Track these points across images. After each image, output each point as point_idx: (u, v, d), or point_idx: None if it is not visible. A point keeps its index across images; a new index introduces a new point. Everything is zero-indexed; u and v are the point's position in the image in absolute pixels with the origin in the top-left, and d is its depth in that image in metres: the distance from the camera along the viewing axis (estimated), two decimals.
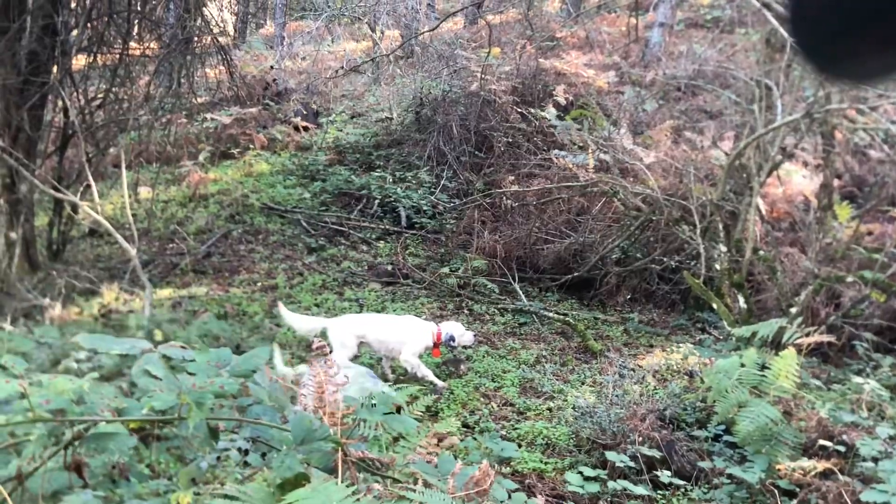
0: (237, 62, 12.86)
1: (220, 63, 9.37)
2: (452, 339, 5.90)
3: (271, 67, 13.10)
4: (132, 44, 8.71)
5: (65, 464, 1.52)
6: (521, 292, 8.05)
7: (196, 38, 8.65)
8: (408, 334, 5.86)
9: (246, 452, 1.57)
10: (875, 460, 3.79)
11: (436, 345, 5.90)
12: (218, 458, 1.56)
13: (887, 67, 0.82)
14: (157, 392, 1.50)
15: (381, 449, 1.65)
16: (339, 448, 1.53)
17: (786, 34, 5.75)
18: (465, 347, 6.45)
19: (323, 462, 1.46)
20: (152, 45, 9.24)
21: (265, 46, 15.94)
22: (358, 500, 1.33)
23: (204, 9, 9.06)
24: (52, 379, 1.56)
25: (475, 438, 4.34)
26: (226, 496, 1.45)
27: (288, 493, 1.34)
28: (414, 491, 1.51)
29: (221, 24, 10.15)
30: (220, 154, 11.08)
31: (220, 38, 9.31)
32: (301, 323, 5.93)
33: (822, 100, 5.41)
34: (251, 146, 11.14)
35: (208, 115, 11.37)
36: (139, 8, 8.38)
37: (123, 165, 7.33)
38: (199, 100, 11.07)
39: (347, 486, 1.34)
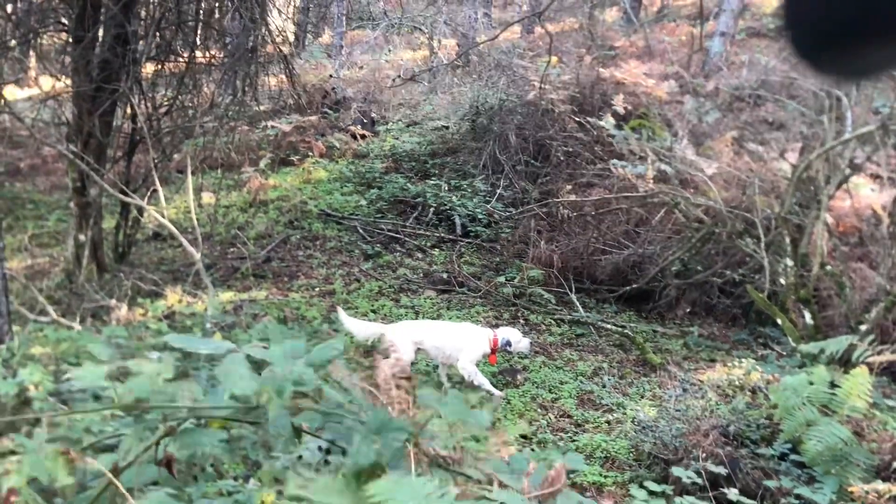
0: (297, 71, 13.11)
1: (281, 72, 9.56)
2: (509, 343, 5.87)
3: (330, 76, 13.29)
4: (198, 53, 8.95)
5: (156, 459, 1.56)
6: (577, 303, 7.98)
7: (260, 48, 8.85)
8: (465, 341, 5.84)
9: (328, 451, 1.59)
10: None
11: (493, 351, 5.88)
12: (299, 456, 1.58)
13: (884, 63, 0.80)
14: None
15: (448, 447, 1.65)
16: (413, 442, 1.53)
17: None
18: (521, 357, 6.42)
19: (396, 457, 1.46)
20: (218, 54, 9.48)
21: (325, 55, 16.18)
22: (442, 496, 1.33)
23: (268, 18, 9.27)
24: (138, 366, 1.60)
25: (533, 449, 4.30)
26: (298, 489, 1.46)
27: (364, 484, 1.35)
28: (490, 490, 1.50)
29: (284, 34, 10.34)
30: (280, 161, 11.27)
31: (282, 48, 9.50)
32: (359, 328, 5.97)
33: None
34: (310, 153, 11.31)
35: (269, 123, 11.59)
36: (206, 18, 8.59)
37: (189, 171, 7.51)
38: (262, 108, 11.32)
39: (435, 483, 1.35)
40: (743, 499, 3.89)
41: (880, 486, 3.68)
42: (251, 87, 9.05)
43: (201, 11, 8.36)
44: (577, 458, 3.87)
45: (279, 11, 11.83)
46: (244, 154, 10.92)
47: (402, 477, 1.43)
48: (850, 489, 3.75)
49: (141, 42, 8.09)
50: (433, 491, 1.34)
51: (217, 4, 8.81)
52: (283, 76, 9.78)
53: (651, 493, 3.79)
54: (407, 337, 5.82)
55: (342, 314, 6.04)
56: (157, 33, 8.26)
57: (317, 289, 7.99)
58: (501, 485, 1.56)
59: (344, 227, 9.60)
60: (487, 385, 5.78)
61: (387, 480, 1.38)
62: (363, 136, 11.91)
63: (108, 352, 1.78)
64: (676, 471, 4.02)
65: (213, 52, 8.94)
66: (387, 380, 1.70)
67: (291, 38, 17.69)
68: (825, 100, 6.10)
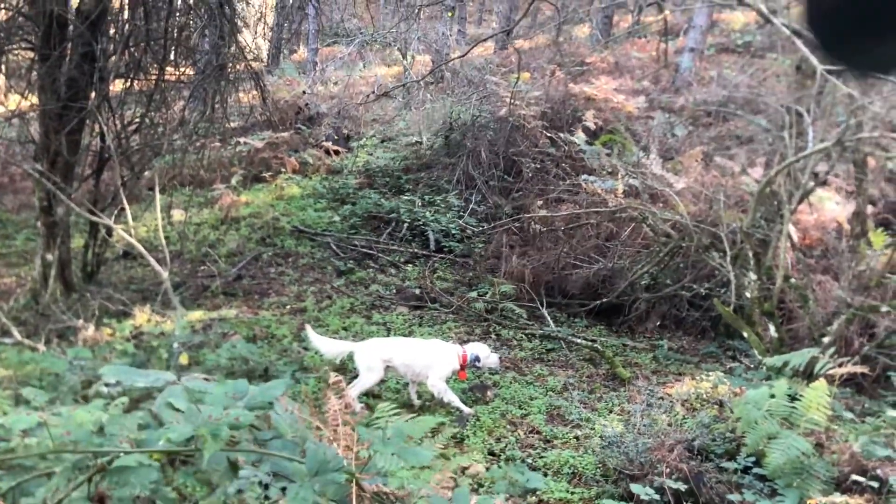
0: (270, 87, 13.10)
1: (253, 88, 9.55)
2: (478, 359, 5.88)
3: (304, 92, 13.30)
4: (168, 70, 8.92)
5: (88, 496, 1.55)
6: (549, 318, 8.02)
7: (230, 65, 8.83)
8: (434, 358, 5.84)
9: (266, 486, 1.59)
10: None
11: (462, 367, 5.88)
12: (239, 490, 1.57)
13: None
14: (175, 424, 1.52)
15: (401, 482, 1.65)
16: (353, 480, 1.54)
17: (815, 61, 5.71)
18: (492, 373, 6.42)
19: (338, 495, 1.47)
20: (187, 72, 9.45)
21: (298, 72, 16.19)
22: None
23: (238, 35, 9.26)
24: (72, 411, 1.59)
25: (500, 467, 4.31)
26: None
27: None
28: None
29: (255, 51, 10.35)
30: (252, 177, 11.25)
31: (253, 64, 9.49)
32: (328, 346, 5.95)
33: (854, 127, 5.35)
34: (283, 170, 11.30)
35: (241, 140, 11.56)
36: (175, 35, 8.57)
37: (157, 189, 7.47)
38: (233, 124, 11.28)
39: None
40: None
41: (838, 498, 3.73)
42: (221, 103, 9.02)
43: (170, 29, 8.32)
44: (536, 478, 3.89)
45: (250, 28, 11.85)
46: (216, 171, 10.88)
47: None
48: (809, 502, 3.80)
49: (111, 59, 8.05)
50: None
51: (186, 21, 8.78)
52: (255, 92, 9.78)
53: None
54: (376, 355, 5.82)
55: (311, 332, 6.02)
56: (126, 51, 8.22)
57: (288, 306, 7.95)
58: None
59: (317, 244, 9.58)
60: (457, 402, 5.78)
61: None
62: (336, 152, 11.92)
63: (42, 397, 1.76)
64: (635, 487, 4.05)
65: (182, 70, 8.90)
66: (334, 415, 1.70)
67: (265, 54, 17.71)
68: (785, 115, 6.22)
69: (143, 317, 7.42)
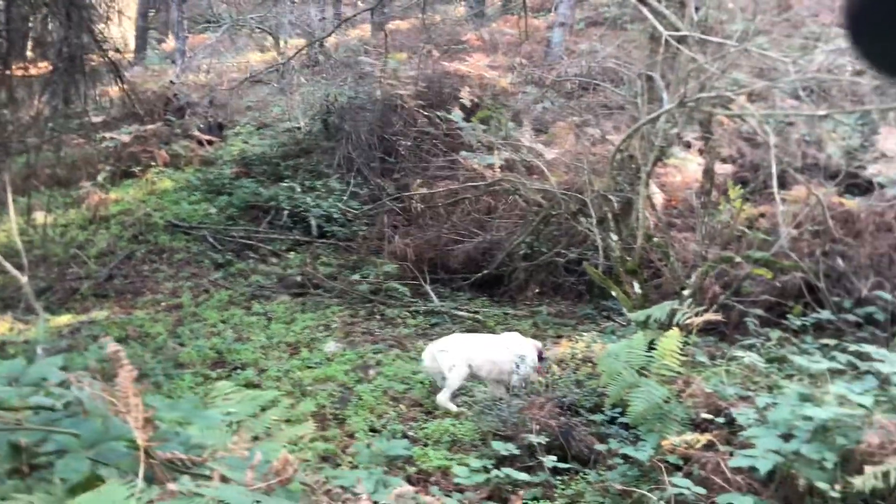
0: (136, 79, 12.56)
1: (113, 81, 9.14)
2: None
3: (171, 82, 12.82)
4: (17, 63, 8.41)
5: None
6: (432, 293, 8.11)
7: (84, 56, 8.42)
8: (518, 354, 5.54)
9: (51, 464, 1.55)
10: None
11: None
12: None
13: None
14: None
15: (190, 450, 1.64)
16: (141, 449, 1.52)
17: (661, 28, 5.97)
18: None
19: (128, 465, 1.45)
20: (40, 65, 8.95)
21: (167, 61, 15.58)
22: (150, 500, 1.33)
23: (94, 25, 8.82)
24: None
25: (367, 445, 4.35)
26: None
27: (76, 496, 1.34)
28: (208, 486, 1.51)
29: (114, 41, 9.86)
30: (121, 173, 10.78)
31: (111, 55, 9.08)
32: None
33: (696, 89, 5.65)
34: (153, 164, 10.87)
35: (107, 135, 11.04)
36: (20, 26, 8.08)
37: (9, 190, 7.05)
38: (95, 119, 10.77)
39: (143, 487, 1.35)
40: (561, 464, 4.10)
41: (689, 437, 3.97)
42: (79, 98, 8.59)
43: (13, 19, 7.83)
44: (399, 445, 3.95)
45: (110, 18, 11.29)
46: (80, 169, 10.37)
47: (119, 486, 1.41)
48: (663, 443, 4.02)
49: None
50: (129, 496, 1.34)
51: (31, 11, 8.29)
52: (117, 85, 9.37)
53: (473, 470, 3.92)
54: (458, 353, 5.57)
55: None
56: None
57: (163, 303, 7.72)
58: (225, 479, 1.57)
59: (192, 238, 9.31)
60: None
61: (96, 491, 1.36)
62: (210, 142, 11.57)
63: None
64: (496, 444, 4.18)
65: (31, 63, 8.42)
66: (125, 389, 1.66)
67: (132, 45, 16.93)
68: (637, 82, 6.50)
69: (4, 325, 7.04)
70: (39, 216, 9.17)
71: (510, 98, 11.78)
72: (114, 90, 10.71)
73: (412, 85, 11.52)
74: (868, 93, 7.16)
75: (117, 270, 8.49)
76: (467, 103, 11.54)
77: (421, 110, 11.10)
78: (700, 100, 5.47)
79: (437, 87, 11.80)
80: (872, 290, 6.42)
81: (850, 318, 6.19)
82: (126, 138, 10.87)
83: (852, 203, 7.52)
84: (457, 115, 11.05)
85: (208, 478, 1.56)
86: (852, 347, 4.52)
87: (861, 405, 3.46)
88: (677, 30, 6.15)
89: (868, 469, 3.05)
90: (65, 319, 7.28)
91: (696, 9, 6.97)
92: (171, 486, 1.43)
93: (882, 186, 7.51)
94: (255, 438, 1.99)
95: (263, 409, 2.21)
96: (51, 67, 8.69)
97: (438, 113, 10.94)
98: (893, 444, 3.08)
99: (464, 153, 9.75)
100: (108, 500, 1.31)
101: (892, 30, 0.82)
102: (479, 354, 5.61)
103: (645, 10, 5.99)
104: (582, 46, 14.35)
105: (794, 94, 7.46)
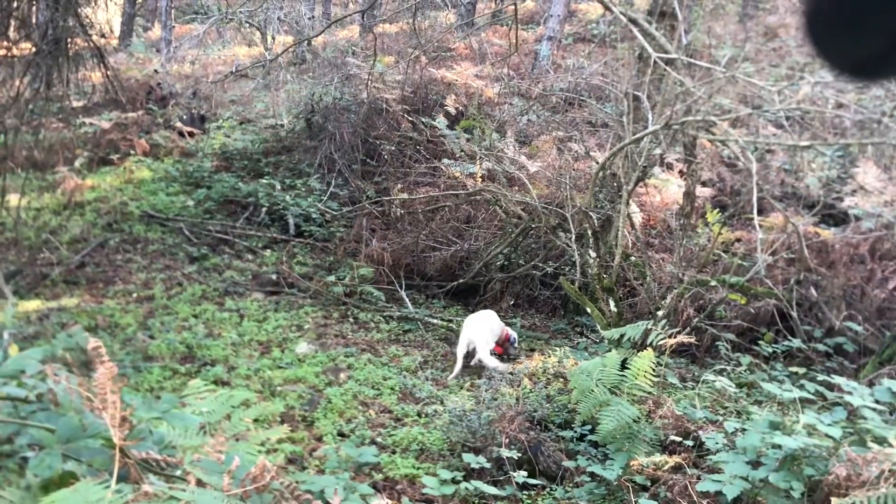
0: (119, 65, 12.39)
1: (96, 66, 9.00)
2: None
3: (155, 71, 12.67)
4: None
5: None
6: (407, 299, 8.08)
7: (69, 40, 8.28)
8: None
9: (25, 459, 1.51)
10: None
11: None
12: None
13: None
14: None
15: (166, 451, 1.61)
16: (116, 447, 1.48)
17: (651, 49, 6.02)
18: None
19: (104, 463, 1.42)
20: (23, 46, 8.79)
21: (152, 50, 15.41)
22: (125, 500, 1.29)
23: (80, 9, 8.69)
24: None
25: (336, 449, 4.31)
26: None
27: (50, 493, 1.30)
28: (184, 490, 1.48)
29: (100, 25, 9.73)
30: (99, 160, 10.61)
31: (96, 40, 8.94)
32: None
33: (681, 112, 5.69)
34: (132, 152, 10.73)
35: (86, 120, 10.88)
36: (5, 5, 7.94)
37: None
38: (76, 104, 10.61)
39: (118, 487, 1.31)
40: (531, 480, 4.08)
41: (657, 458, 3.98)
42: (61, 81, 8.45)
43: None
44: (369, 452, 3.92)
45: (95, 2, 11.14)
46: (58, 153, 10.19)
47: (93, 485, 1.37)
48: (632, 463, 4.03)
49: None
50: (103, 496, 1.30)
51: None
52: (100, 70, 9.21)
53: (443, 481, 3.90)
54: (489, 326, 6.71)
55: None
56: None
57: (134, 294, 7.60)
58: (201, 483, 1.54)
59: (168, 229, 9.19)
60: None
61: (71, 489, 1.32)
62: (191, 134, 11.45)
63: None
64: (467, 457, 4.16)
65: (13, 44, 8.27)
66: (102, 383, 1.63)
67: (117, 31, 16.73)
68: (624, 101, 6.53)
69: None
70: (13, 198, 9.00)
71: (495, 108, 11.81)
72: (96, 76, 10.53)
73: (398, 89, 11.52)
74: (849, 126, 7.29)
75: (89, 258, 8.34)
76: (452, 111, 11.56)
77: (405, 115, 11.08)
78: (685, 123, 5.51)
79: (423, 93, 11.80)
80: (843, 321, 6.50)
81: (820, 347, 6.27)
82: (106, 125, 10.72)
83: (828, 234, 7.62)
84: (441, 122, 11.06)
85: (183, 480, 1.52)
86: (821, 377, 4.57)
87: (829, 436, 3.49)
88: (666, 52, 6.20)
89: (834, 501, 3.08)
90: (33, 305, 7.14)
91: (686, 32, 7.04)
92: (147, 487, 1.39)
93: (858, 219, 7.63)
94: (234, 438, 1.96)
95: (235, 409, 2.17)
96: (34, 49, 8.55)
97: (423, 119, 10.94)
98: (860, 476, 3.11)
99: (446, 161, 9.75)
100: (81, 498, 1.27)
101: (848, 27, 0.82)
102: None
103: (635, 31, 6.03)
104: (569, 61, 14.45)
105: (777, 123, 7.57)
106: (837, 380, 4.24)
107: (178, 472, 1.55)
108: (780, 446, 3.47)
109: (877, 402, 3.83)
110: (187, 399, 2.31)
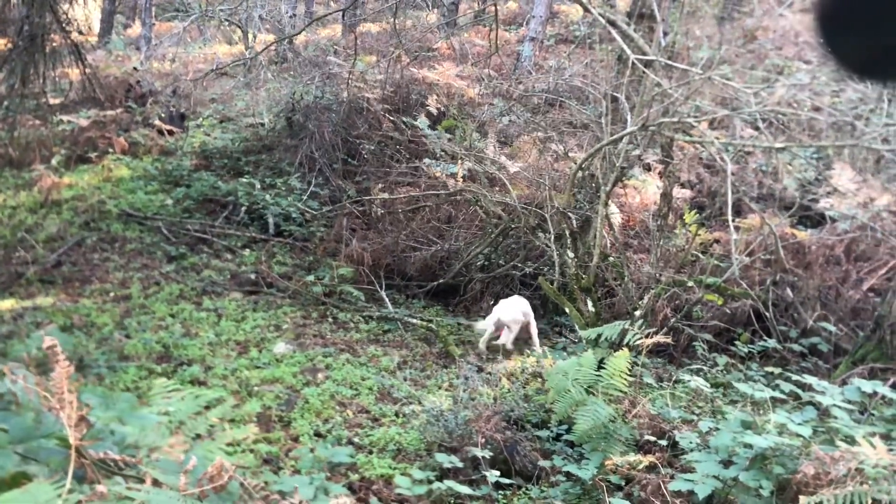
0: (98, 63, 12.28)
1: (74, 63, 8.92)
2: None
3: (135, 69, 12.57)
4: None
5: None
6: (387, 299, 8.06)
7: (45, 36, 8.21)
8: None
9: None
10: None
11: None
12: None
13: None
14: None
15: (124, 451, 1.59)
16: (72, 447, 1.47)
17: (629, 51, 6.05)
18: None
19: (59, 463, 1.40)
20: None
21: (131, 47, 15.29)
22: (78, 500, 1.28)
23: (56, 5, 8.61)
24: None
25: (311, 449, 4.30)
26: None
27: (3, 494, 1.29)
28: (139, 490, 1.47)
29: (78, 22, 9.65)
30: (77, 158, 10.51)
31: (74, 37, 8.87)
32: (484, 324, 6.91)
33: (658, 113, 5.72)
34: (111, 150, 10.63)
35: (64, 118, 10.77)
36: None
37: None
38: (53, 101, 10.50)
39: (71, 487, 1.30)
40: (504, 479, 4.09)
41: (632, 458, 4.00)
42: (37, 78, 8.37)
43: None
44: (342, 452, 3.91)
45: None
46: (35, 150, 10.09)
47: (45, 485, 1.36)
48: (606, 462, 4.05)
49: None
50: (55, 496, 1.29)
51: None
52: (78, 67, 9.13)
53: (416, 481, 3.90)
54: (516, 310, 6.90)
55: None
56: None
57: (111, 293, 7.54)
58: (157, 483, 1.53)
59: (146, 228, 9.11)
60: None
61: (21, 490, 1.31)
62: (171, 132, 11.36)
63: None
64: (439, 457, 4.16)
65: None
66: (59, 382, 1.61)
67: (97, 27, 16.59)
68: (602, 101, 6.56)
69: None
70: None
71: (476, 109, 11.81)
72: (74, 73, 10.44)
73: (379, 89, 11.50)
74: (825, 128, 7.36)
75: (66, 257, 8.26)
76: (434, 111, 11.55)
77: (387, 115, 11.07)
78: (662, 124, 5.54)
79: (405, 93, 11.78)
80: (818, 322, 6.57)
81: (795, 347, 6.33)
82: (84, 122, 10.62)
83: (804, 235, 7.70)
84: (422, 121, 11.05)
85: (140, 480, 1.51)
86: (795, 377, 4.61)
87: (799, 435, 3.52)
88: (644, 53, 6.24)
89: (802, 499, 3.11)
90: (8, 304, 7.06)
91: (665, 34, 7.09)
92: (100, 487, 1.38)
93: (833, 220, 7.71)
94: (198, 437, 1.95)
95: (207, 408, 2.16)
96: (10, 45, 8.46)
97: (404, 119, 10.92)
98: (828, 475, 3.15)
99: (427, 160, 9.75)
100: (32, 499, 1.26)
101: (859, 27, 0.83)
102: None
103: (614, 32, 6.06)
104: (551, 62, 14.50)
105: (754, 125, 7.63)
106: (810, 379, 4.28)
107: (136, 472, 1.54)
108: (751, 445, 3.50)
109: (847, 401, 3.87)
110: (153, 398, 2.29)
